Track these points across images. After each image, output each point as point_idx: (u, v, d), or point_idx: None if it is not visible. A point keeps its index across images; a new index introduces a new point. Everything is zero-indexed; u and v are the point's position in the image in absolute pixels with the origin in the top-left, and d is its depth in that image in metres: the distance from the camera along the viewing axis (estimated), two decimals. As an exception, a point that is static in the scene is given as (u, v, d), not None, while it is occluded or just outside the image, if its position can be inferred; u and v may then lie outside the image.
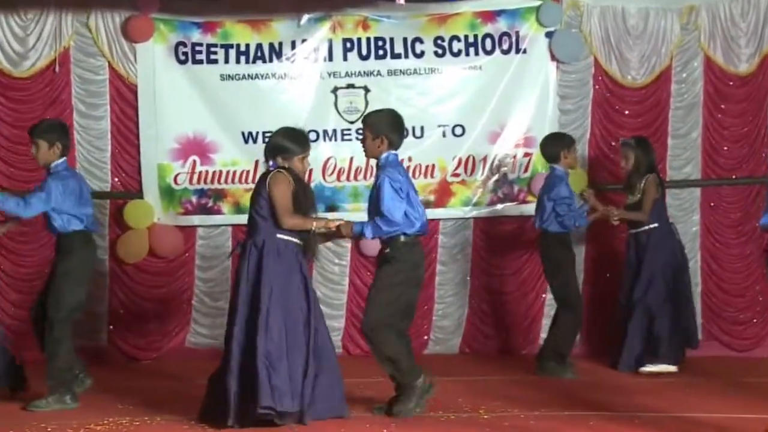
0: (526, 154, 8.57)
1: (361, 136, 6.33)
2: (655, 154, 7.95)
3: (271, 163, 5.77)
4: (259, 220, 5.75)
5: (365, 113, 6.51)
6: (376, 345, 5.98)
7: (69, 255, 6.42)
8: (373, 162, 6.33)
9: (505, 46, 8.51)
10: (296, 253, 5.75)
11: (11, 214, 6.52)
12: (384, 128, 6.05)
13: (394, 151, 6.08)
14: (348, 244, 8.49)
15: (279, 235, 5.69)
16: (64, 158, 6.49)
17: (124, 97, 8.39)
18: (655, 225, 7.75)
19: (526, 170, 8.61)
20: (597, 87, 8.66)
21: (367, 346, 6.22)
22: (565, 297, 7.67)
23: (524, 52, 8.53)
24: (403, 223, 5.93)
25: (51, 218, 6.41)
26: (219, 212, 8.41)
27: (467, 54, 8.52)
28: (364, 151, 6.18)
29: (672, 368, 7.57)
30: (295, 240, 5.74)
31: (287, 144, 5.78)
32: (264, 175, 5.80)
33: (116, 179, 8.43)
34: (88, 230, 6.50)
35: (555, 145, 7.72)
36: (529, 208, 8.27)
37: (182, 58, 8.37)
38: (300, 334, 5.65)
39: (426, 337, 8.69)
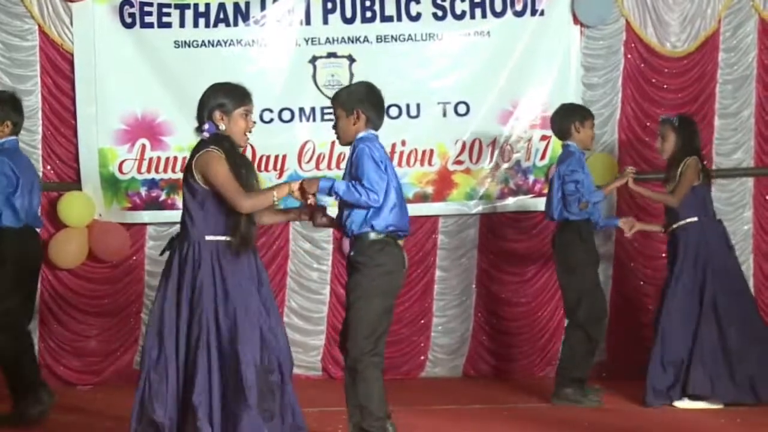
0: (544, 138, 8.51)
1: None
2: (700, 138, 7.79)
3: (207, 126, 5.55)
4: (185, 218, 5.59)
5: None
6: (357, 379, 5.84)
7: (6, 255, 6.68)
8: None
9: (519, 7, 8.49)
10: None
11: None
12: (358, 103, 5.91)
13: (373, 131, 5.93)
14: (329, 246, 8.41)
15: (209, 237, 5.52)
16: (15, 137, 6.83)
17: (58, 68, 8.34)
18: (694, 219, 7.61)
19: (543, 157, 8.57)
20: (629, 56, 8.65)
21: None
22: (575, 307, 7.49)
23: (541, 14, 8.51)
24: (380, 206, 5.77)
25: None
26: (173, 207, 8.30)
27: (472, 16, 8.50)
28: (337, 136, 6.02)
29: (716, 405, 7.37)
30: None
31: (222, 98, 5.56)
32: (189, 160, 5.57)
33: (48, 167, 8.40)
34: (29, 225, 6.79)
35: (564, 118, 7.63)
36: None
37: (128, 20, 8.31)
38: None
39: (423, 358, 8.67)
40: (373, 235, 5.82)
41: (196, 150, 5.54)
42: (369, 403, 5.82)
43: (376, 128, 5.97)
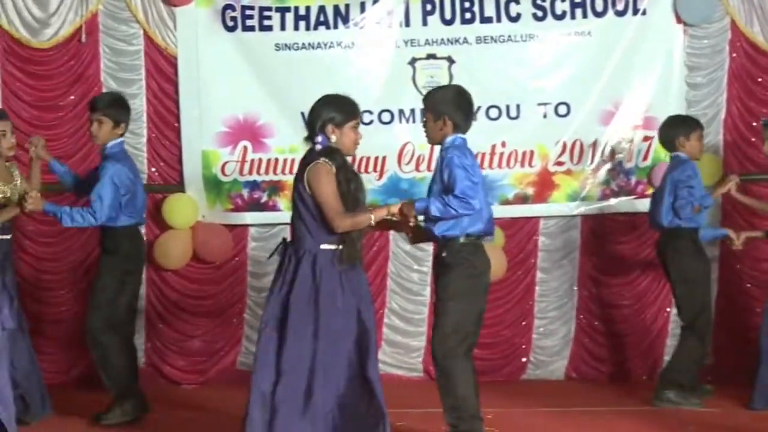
0: (646, 138, 8.42)
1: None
2: (810, 140, 7.68)
3: (319, 138, 5.67)
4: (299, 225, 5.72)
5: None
6: (448, 377, 5.91)
7: (114, 253, 6.85)
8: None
9: (620, 7, 8.37)
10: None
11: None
12: (445, 109, 6.03)
13: (461, 135, 6.04)
14: (429, 247, 8.35)
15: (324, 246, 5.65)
16: (122, 139, 7.01)
17: (163, 72, 8.42)
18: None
19: (645, 158, 8.46)
20: (734, 55, 8.47)
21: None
22: (695, 317, 7.51)
23: (643, 13, 8.38)
24: (477, 214, 5.87)
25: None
26: (275, 208, 8.39)
27: (573, 16, 8.41)
28: (426, 136, 6.18)
29: None
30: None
31: (334, 112, 5.70)
32: (301, 169, 5.71)
33: (153, 169, 8.48)
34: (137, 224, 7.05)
35: (669, 131, 7.62)
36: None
37: (230, 24, 8.36)
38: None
39: (524, 360, 8.62)
40: (463, 238, 5.94)
41: (306, 159, 5.69)
42: (462, 402, 5.89)
43: (464, 132, 6.08)
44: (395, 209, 5.78)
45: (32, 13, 8.28)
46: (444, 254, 5.98)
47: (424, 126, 6.16)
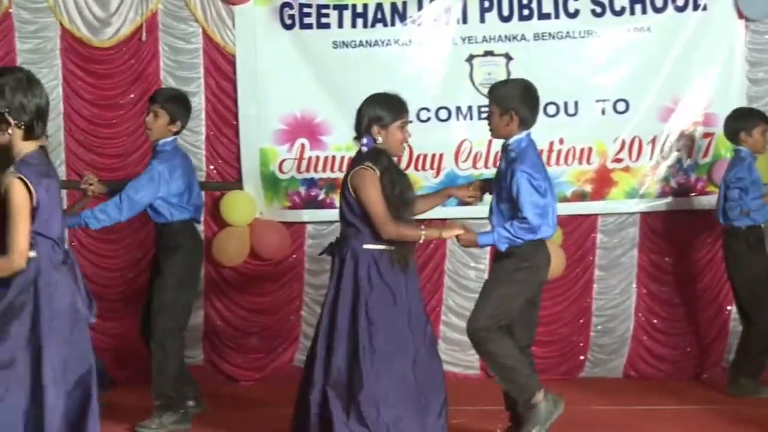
0: (706, 135, 8.35)
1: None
2: None
3: (365, 140, 5.68)
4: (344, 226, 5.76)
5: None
6: (486, 346, 5.95)
7: (175, 251, 6.77)
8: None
9: (680, 2, 8.29)
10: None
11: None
12: (512, 104, 5.97)
13: (526, 131, 6.00)
14: None
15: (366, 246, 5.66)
16: (176, 138, 6.90)
17: (221, 70, 8.47)
18: None
19: (705, 155, 8.40)
20: (796, 50, 8.37)
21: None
22: (758, 314, 7.54)
23: (704, 8, 8.30)
24: (544, 229, 5.87)
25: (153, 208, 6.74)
26: (332, 206, 8.34)
27: (632, 12, 8.34)
28: (490, 129, 6.14)
29: None
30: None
31: (380, 112, 5.69)
32: (348, 171, 5.74)
33: (212, 167, 8.53)
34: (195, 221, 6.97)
35: (733, 124, 7.66)
36: (710, 201, 8.12)
37: (288, 22, 8.39)
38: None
39: (582, 357, 8.59)
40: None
41: (353, 163, 5.72)
42: (502, 359, 5.93)
43: (530, 127, 6.04)
44: (449, 234, 5.80)
45: (93, 12, 8.36)
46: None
47: (489, 119, 6.11)
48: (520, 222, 5.77)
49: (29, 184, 4.27)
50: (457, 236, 5.78)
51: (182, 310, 6.84)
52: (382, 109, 5.69)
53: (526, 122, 5.99)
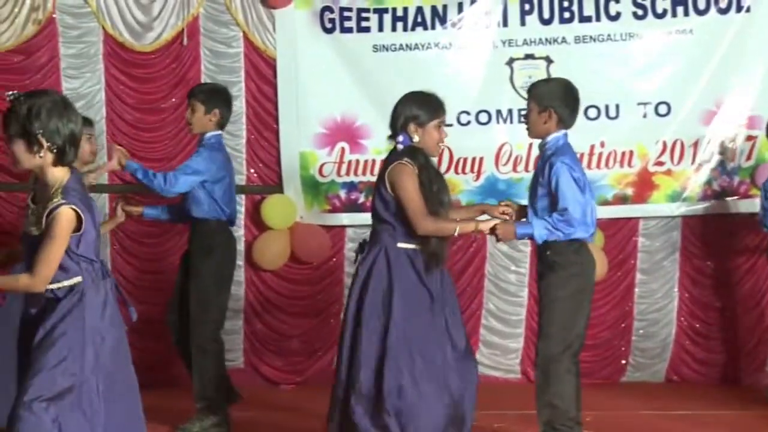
0: (749, 138, 8.31)
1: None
2: None
3: (401, 138, 5.63)
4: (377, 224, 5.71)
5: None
6: (548, 383, 5.80)
7: (210, 252, 6.74)
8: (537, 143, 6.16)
9: (723, 4, 8.25)
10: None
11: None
12: (552, 102, 5.87)
13: (564, 131, 5.90)
14: (527, 248, 8.37)
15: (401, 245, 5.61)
16: (220, 132, 6.85)
17: (262, 74, 8.49)
18: None
19: (749, 158, 8.35)
20: (841, 53, 8.27)
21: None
22: None
23: (747, 10, 8.25)
24: (582, 227, 5.73)
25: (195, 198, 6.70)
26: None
27: (674, 14, 8.30)
28: (527, 128, 6.03)
29: None
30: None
31: (417, 110, 5.64)
32: (383, 169, 5.69)
33: (252, 170, 8.56)
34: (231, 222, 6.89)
35: None
36: (753, 204, 8.09)
37: (328, 25, 8.40)
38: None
39: (624, 362, 8.57)
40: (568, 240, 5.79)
41: (389, 160, 5.64)
42: (560, 402, 5.77)
43: (568, 127, 5.94)
44: (486, 227, 5.63)
45: (135, 17, 8.41)
46: (548, 253, 5.82)
47: (527, 117, 6.00)
48: (561, 214, 5.64)
49: (80, 212, 4.25)
50: (494, 228, 5.63)
51: (220, 311, 6.84)
52: (420, 108, 5.64)
53: (564, 122, 5.89)
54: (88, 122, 6.71)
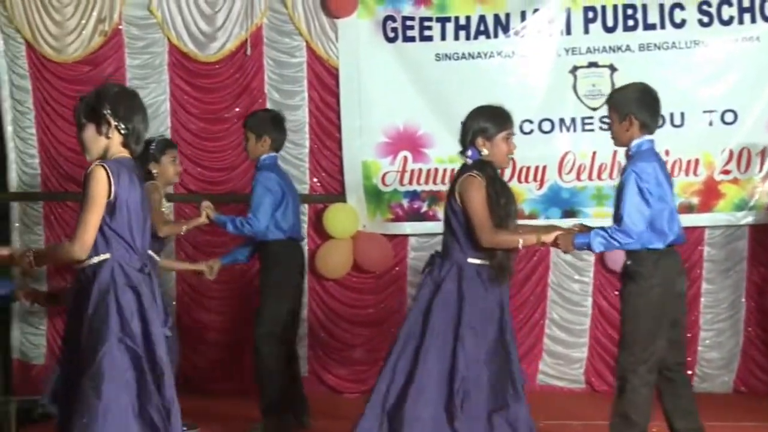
0: (818, 146, 8.19)
1: (606, 126, 6.20)
2: None
3: (470, 152, 5.68)
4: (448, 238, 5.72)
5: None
6: (624, 394, 5.73)
7: (273, 268, 6.93)
8: (622, 153, 6.09)
9: (791, 10, 8.15)
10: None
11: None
12: (630, 108, 5.80)
13: (648, 136, 5.82)
14: (591, 257, 8.32)
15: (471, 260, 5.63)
16: (275, 154, 7.12)
17: (324, 83, 8.52)
18: None
19: (818, 166, 8.23)
20: None
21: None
22: None
23: (816, 16, 8.14)
24: (647, 237, 5.62)
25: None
26: (434, 218, 8.35)
27: (741, 21, 8.21)
28: (612, 138, 5.96)
29: None
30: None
31: (484, 123, 5.67)
32: (453, 182, 5.74)
33: (315, 180, 8.59)
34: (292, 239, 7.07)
35: None
36: None
37: (391, 35, 8.42)
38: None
39: (690, 372, 8.33)
40: (648, 249, 5.68)
41: (459, 173, 5.69)
42: (632, 412, 5.70)
43: (652, 132, 5.86)
44: (549, 239, 5.62)
45: (200, 27, 8.48)
46: (629, 262, 5.77)
47: (610, 128, 5.93)
48: (618, 224, 5.59)
49: (110, 175, 4.30)
50: (556, 238, 5.62)
51: (275, 317, 6.95)
52: (487, 121, 5.67)
53: (647, 126, 5.80)
54: (170, 144, 7.00)
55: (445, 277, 5.63)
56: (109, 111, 4.38)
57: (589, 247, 5.66)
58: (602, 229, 5.64)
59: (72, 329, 4.43)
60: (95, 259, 4.36)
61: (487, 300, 5.59)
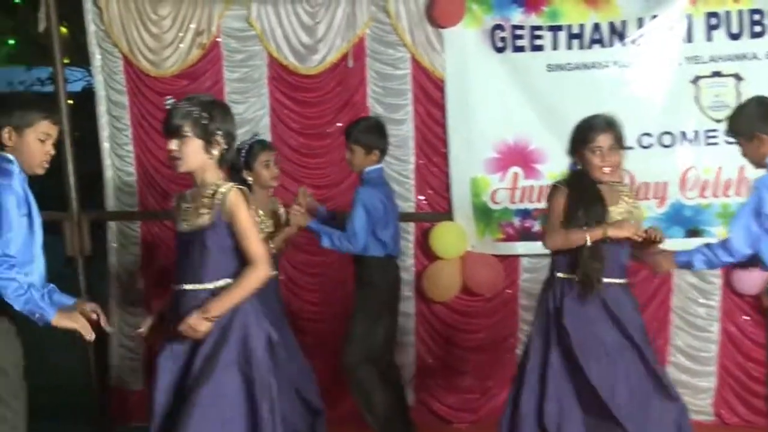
0: None
1: (731, 139, 6.02)
2: None
3: (569, 163, 5.85)
4: None
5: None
6: None
7: (367, 286, 7.00)
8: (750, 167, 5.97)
9: None
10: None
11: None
12: (753, 124, 5.67)
13: None
14: (717, 280, 7.99)
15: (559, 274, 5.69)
16: (381, 165, 7.17)
17: (430, 96, 8.32)
18: None
19: None
20: None
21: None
22: None
23: None
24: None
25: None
26: (548, 238, 8.09)
27: None
28: (749, 162, 5.86)
29: None
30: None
31: (575, 134, 5.80)
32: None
33: (421, 197, 8.41)
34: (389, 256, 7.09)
35: None
36: None
37: (500, 44, 8.18)
38: None
39: None
40: None
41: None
42: None
43: None
44: (617, 233, 5.57)
45: (300, 39, 8.33)
46: None
47: (743, 153, 5.83)
48: (723, 241, 5.49)
49: (246, 195, 4.61)
50: (656, 259, 5.62)
51: (367, 341, 6.92)
52: (576, 132, 5.82)
53: None
54: (263, 147, 6.93)
55: (544, 296, 5.84)
56: (219, 132, 4.67)
57: (689, 265, 5.60)
58: (707, 245, 5.58)
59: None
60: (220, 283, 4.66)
61: (581, 314, 5.62)
